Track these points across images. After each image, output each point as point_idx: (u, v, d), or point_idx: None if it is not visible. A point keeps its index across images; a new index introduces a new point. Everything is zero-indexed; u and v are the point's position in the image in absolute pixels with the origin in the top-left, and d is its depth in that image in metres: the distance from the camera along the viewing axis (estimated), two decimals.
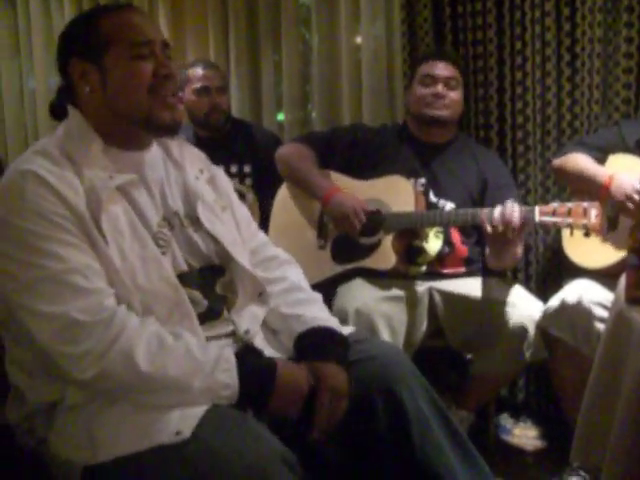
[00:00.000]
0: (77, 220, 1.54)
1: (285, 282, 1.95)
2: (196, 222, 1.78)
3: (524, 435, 3.06)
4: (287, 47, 3.57)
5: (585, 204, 2.33)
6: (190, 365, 1.54)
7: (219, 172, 1.96)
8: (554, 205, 2.40)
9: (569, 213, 2.35)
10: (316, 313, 1.90)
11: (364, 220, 2.65)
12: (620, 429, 1.52)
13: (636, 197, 2.41)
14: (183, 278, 1.68)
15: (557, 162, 2.79)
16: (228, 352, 1.60)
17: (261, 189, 3.24)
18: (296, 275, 2.01)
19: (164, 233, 1.69)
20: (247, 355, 1.69)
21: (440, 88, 2.78)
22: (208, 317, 1.73)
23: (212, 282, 1.79)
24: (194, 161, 1.87)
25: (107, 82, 1.64)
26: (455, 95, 2.81)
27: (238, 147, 3.31)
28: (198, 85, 3.25)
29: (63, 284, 1.49)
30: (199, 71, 3.28)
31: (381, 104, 3.37)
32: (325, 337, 1.82)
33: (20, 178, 1.54)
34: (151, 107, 1.66)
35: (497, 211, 2.43)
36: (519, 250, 2.66)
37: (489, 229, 2.44)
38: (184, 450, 1.44)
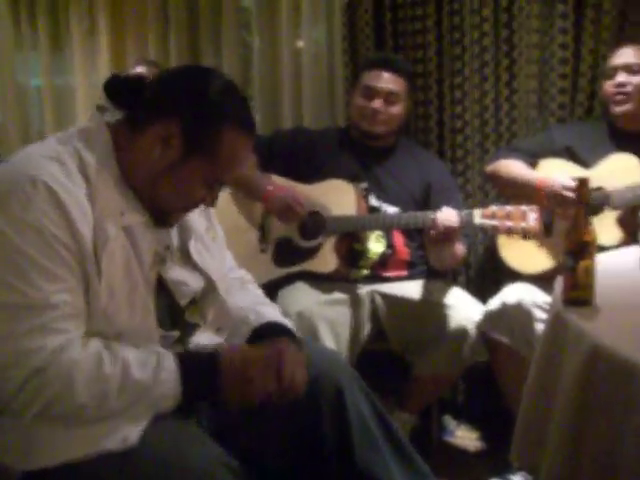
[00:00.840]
0: (77, 250, 1.45)
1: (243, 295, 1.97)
2: (186, 255, 1.75)
3: (466, 436, 3.10)
4: (228, 50, 3.54)
5: (524, 207, 2.37)
6: (130, 390, 1.49)
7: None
8: (493, 208, 2.44)
9: (508, 216, 2.38)
10: (272, 312, 1.91)
11: (306, 207, 2.65)
12: (557, 429, 1.54)
13: (564, 193, 2.45)
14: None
15: (490, 168, 2.83)
16: (168, 360, 1.56)
17: None
18: (255, 290, 2.03)
19: (149, 278, 1.63)
20: (190, 358, 1.65)
21: (378, 104, 2.77)
22: (171, 345, 1.70)
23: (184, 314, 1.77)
24: None
25: (175, 169, 1.56)
26: (395, 110, 2.81)
27: None
28: None
29: (34, 317, 1.41)
30: (138, 69, 3.28)
31: (322, 108, 3.38)
32: (281, 330, 1.82)
33: (29, 185, 1.42)
34: (172, 213, 1.66)
35: (436, 214, 2.46)
36: (459, 250, 2.69)
37: (430, 232, 2.46)
38: (131, 456, 1.43)
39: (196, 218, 1.80)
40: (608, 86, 2.69)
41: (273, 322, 1.85)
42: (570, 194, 2.41)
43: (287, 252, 2.76)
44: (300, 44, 3.43)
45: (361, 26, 3.17)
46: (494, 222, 2.42)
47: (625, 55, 2.66)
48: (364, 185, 2.79)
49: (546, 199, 2.54)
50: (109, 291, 1.50)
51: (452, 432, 3.12)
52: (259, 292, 2.04)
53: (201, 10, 3.58)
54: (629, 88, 2.63)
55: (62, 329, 1.43)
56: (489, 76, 3.05)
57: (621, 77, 2.64)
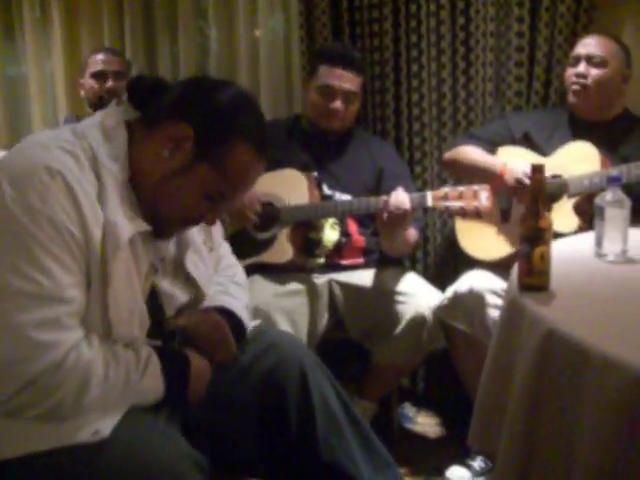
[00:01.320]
0: (86, 249, 1.44)
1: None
2: (179, 266, 1.75)
3: (426, 423, 3.13)
4: (184, 39, 3.52)
5: (475, 187, 2.39)
6: (129, 388, 1.51)
7: None
8: (446, 189, 2.46)
9: (460, 197, 2.41)
10: (230, 301, 1.90)
11: (259, 210, 2.64)
12: (513, 413, 1.56)
13: (526, 180, 2.47)
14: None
15: (448, 155, 2.84)
16: (154, 356, 1.58)
17: None
18: (228, 281, 2.01)
19: (144, 290, 1.63)
20: (165, 352, 1.67)
21: (339, 104, 2.77)
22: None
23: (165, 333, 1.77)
24: None
25: (180, 175, 1.54)
26: (353, 107, 2.82)
27: None
28: (95, 69, 3.22)
29: (47, 308, 1.38)
30: (99, 56, 3.25)
31: (279, 96, 3.37)
32: (224, 314, 1.83)
33: (47, 176, 1.40)
34: (170, 224, 1.63)
35: (388, 198, 2.47)
36: (411, 235, 2.71)
37: (382, 216, 2.48)
38: (101, 450, 1.42)
39: (193, 230, 1.79)
40: (569, 74, 2.70)
41: (217, 307, 1.85)
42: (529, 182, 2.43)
43: (242, 245, 2.74)
44: (257, 33, 3.41)
45: (318, 14, 3.16)
46: (446, 203, 2.44)
47: (589, 45, 2.66)
48: (315, 174, 2.79)
49: (506, 185, 2.57)
50: (115, 300, 1.49)
51: (412, 419, 3.15)
52: (231, 282, 2.02)
53: (155, 1, 3.55)
54: (588, 80, 2.64)
55: (73, 326, 1.43)
56: (446, 64, 3.06)
57: (582, 67, 2.64)
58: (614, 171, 2.40)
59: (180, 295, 1.76)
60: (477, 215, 2.41)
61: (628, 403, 1.27)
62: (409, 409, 3.21)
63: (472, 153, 2.75)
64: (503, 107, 3.02)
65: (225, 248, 2.08)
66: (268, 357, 1.81)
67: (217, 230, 1.97)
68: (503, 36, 3.00)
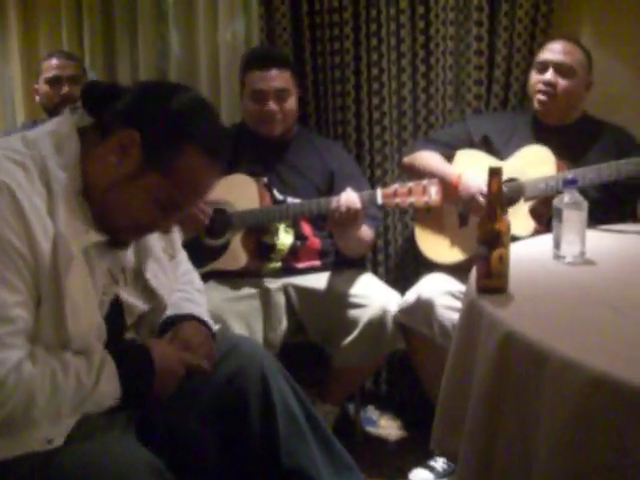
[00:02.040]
0: (34, 265, 1.40)
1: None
2: (139, 276, 1.72)
3: (389, 425, 3.13)
4: (144, 44, 3.48)
5: (425, 182, 2.42)
6: (81, 395, 1.48)
7: None
8: (395, 186, 2.48)
9: (410, 192, 2.42)
10: (193, 308, 1.90)
11: (210, 213, 2.63)
12: (473, 415, 1.56)
13: (480, 198, 2.49)
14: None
15: (406, 160, 2.85)
16: (109, 359, 1.55)
17: None
18: (197, 290, 2.01)
19: (103, 301, 1.61)
20: (122, 350, 1.64)
21: (272, 105, 2.75)
22: None
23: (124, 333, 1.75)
24: None
25: (129, 182, 1.51)
26: (288, 104, 2.80)
27: None
28: (49, 74, 3.18)
29: None
30: (53, 61, 3.21)
31: (239, 101, 3.34)
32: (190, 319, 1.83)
33: None
34: (121, 231, 1.59)
35: (338, 198, 2.49)
36: (365, 234, 2.71)
37: (333, 217, 2.49)
38: (55, 458, 1.40)
39: (153, 238, 1.77)
40: (535, 80, 2.69)
41: (186, 314, 1.84)
42: (483, 200, 2.45)
43: (195, 253, 2.72)
44: (218, 37, 3.38)
45: (278, 18, 3.15)
46: (397, 200, 2.46)
47: (558, 53, 2.65)
48: (265, 180, 2.78)
49: (460, 196, 2.59)
50: (72, 313, 1.46)
51: (375, 422, 3.15)
52: (194, 289, 2.01)
53: (115, 3, 3.51)
54: (557, 90, 2.64)
55: (15, 345, 1.39)
56: (406, 67, 3.06)
57: (550, 75, 2.63)
58: (569, 174, 2.42)
59: (140, 304, 1.74)
60: (427, 210, 2.42)
61: (585, 405, 1.28)
62: (372, 412, 3.21)
63: (429, 159, 2.76)
64: (463, 110, 3.04)
65: (183, 254, 2.06)
66: (229, 361, 1.80)
67: (177, 238, 1.95)
68: (462, 40, 3.02)
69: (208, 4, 3.36)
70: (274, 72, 2.76)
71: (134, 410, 1.64)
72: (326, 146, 2.96)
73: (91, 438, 1.47)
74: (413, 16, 3.03)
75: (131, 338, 1.75)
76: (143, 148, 1.49)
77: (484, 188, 2.44)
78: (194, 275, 2.07)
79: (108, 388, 1.52)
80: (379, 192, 2.49)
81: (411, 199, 2.44)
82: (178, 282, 1.95)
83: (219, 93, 3.37)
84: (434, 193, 2.41)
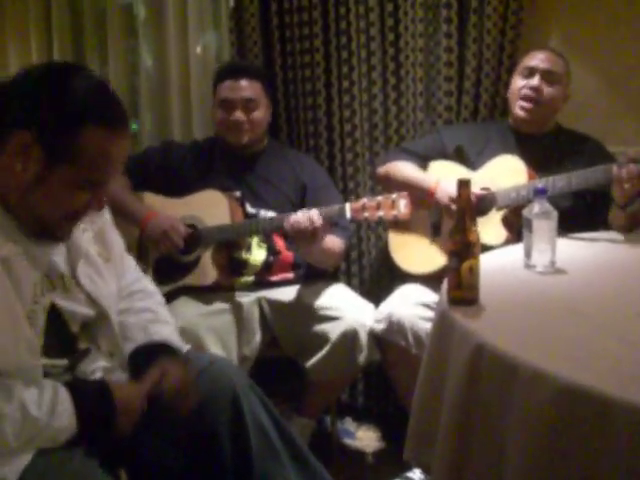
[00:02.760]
0: None
1: (144, 307, 1.93)
2: (79, 282, 1.70)
3: (367, 437, 3.12)
4: (114, 58, 3.47)
5: (394, 195, 2.43)
6: (29, 428, 1.45)
7: (107, 223, 1.87)
8: (364, 200, 2.49)
9: (378, 207, 2.43)
10: (161, 330, 1.87)
11: (184, 234, 2.62)
12: (445, 426, 1.57)
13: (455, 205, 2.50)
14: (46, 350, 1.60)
15: (382, 170, 2.85)
16: (62, 392, 1.53)
17: None
18: (157, 303, 1.98)
19: (34, 310, 1.57)
20: (80, 387, 1.62)
21: (239, 114, 2.76)
22: (60, 373, 1.66)
23: (77, 340, 1.73)
24: None
25: (42, 182, 1.47)
26: (256, 115, 2.80)
27: None
28: None
29: None
30: None
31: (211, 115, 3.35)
32: (162, 350, 1.80)
33: None
34: (57, 225, 1.57)
35: (292, 217, 2.50)
36: (334, 245, 2.72)
37: (292, 233, 2.51)
38: None
39: (86, 239, 1.74)
40: (520, 85, 2.71)
41: (159, 342, 1.82)
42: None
43: (167, 269, 2.72)
44: (188, 51, 3.38)
45: (248, 32, 3.15)
46: (365, 214, 2.47)
47: (546, 61, 2.68)
48: (237, 194, 2.78)
49: (438, 203, 2.60)
50: None
51: (352, 434, 3.14)
52: (160, 303, 2.00)
53: (85, 17, 3.50)
54: (542, 96, 2.66)
55: None
56: (377, 80, 3.07)
57: (537, 81, 2.65)
58: (540, 183, 2.44)
59: (82, 310, 1.71)
60: (396, 224, 2.43)
61: (555, 414, 1.29)
62: (349, 424, 3.20)
63: (404, 169, 2.77)
64: (434, 122, 3.05)
65: (130, 261, 2.03)
66: (199, 384, 1.78)
67: (115, 241, 1.91)
68: (432, 52, 3.03)
69: (178, 18, 3.35)
70: (243, 82, 2.78)
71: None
72: (298, 159, 2.96)
73: (47, 472, 1.44)
74: (382, 28, 3.04)
75: (99, 379, 1.71)
76: (41, 146, 1.45)
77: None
78: (148, 284, 2.03)
79: (63, 423, 1.50)
80: (348, 206, 2.50)
81: (380, 213, 2.45)
82: (128, 289, 1.93)
83: (190, 107, 3.36)
84: (403, 207, 2.42)
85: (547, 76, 2.67)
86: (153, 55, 3.49)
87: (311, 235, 2.48)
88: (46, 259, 1.61)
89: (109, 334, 1.79)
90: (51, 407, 1.48)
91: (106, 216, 1.86)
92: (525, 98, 2.68)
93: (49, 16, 3.53)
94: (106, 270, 1.81)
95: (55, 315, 1.64)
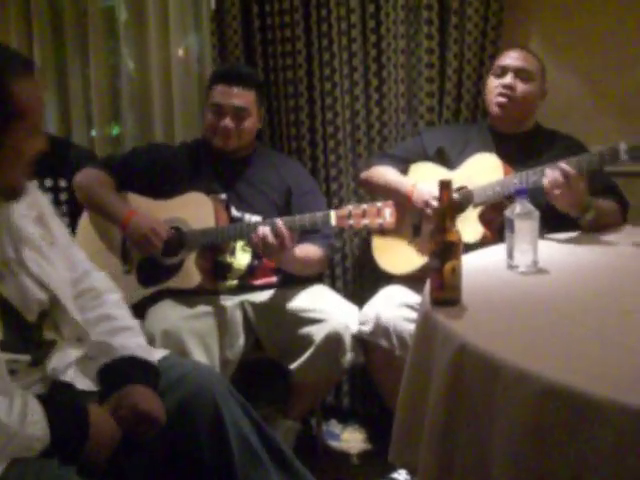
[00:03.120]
0: None
1: (99, 314, 1.90)
2: (22, 266, 1.68)
3: (352, 439, 3.12)
4: (96, 60, 3.45)
5: (379, 204, 2.42)
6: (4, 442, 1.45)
7: (46, 207, 1.86)
8: (349, 208, 2.48)
9: (364, 214, 2.43)
10: (125, 341, 1.84)
11: (164, 237, 2.62)
12: (429, 427, 1.57)
13: (433, 203, 2.51)
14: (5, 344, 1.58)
15: (364, 175, 2.87)
16: (33, 403, 1.52)
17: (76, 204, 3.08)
18: (112, 304, 1.95)
19: None
20: (57, 399, 1.62)
21: (228, 122, 2.74)
22: (27, 369, 1.64)
23: (39, 331, 1.71)
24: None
25: (2, 146, 1.52)
26: (246, 124, 2.78)
27: (53, 161, 3.15)
28: None
29: None
30: None
31: (193, 117, 3.34)
32: (131, 366, 1.79)
33: None
34: (18, 181, 1.61)
35: (257, 230, 2.50)
36: (315, 252, 2.72)
37: (254, 245, 2.52)
38: None
39: (27, 225, 1.73)
40: (494, 84, 2.72)
41: (126, 358, 1.80)
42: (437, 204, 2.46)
43: (151, 271, 2.71)
44: (170, 53, 3.37)
45: (230, 34, 3.15)
46: (350, 221, 2.46)
47: (518, 59, 2.70)
48: (223, 197, 2.78)
49: (415, 206, 2.61)
50: None
51: (338, 436, 3.14)
52: (117, 303, 1.97)
53: (66, 19, 3.48)
54: (516, 93, 2.68)
55: None
56: (359, 81, 3.08)
57: (509, 79, 2.67)
58: (514, 178, 2.46)
59: (33, 296, 1.69)
60: (381, 232, 2.43)
61: (538, 414, 1.29)
62: (334, 426, 3.21)
63: (385, 173, 2.79)
64: (416, 123, 3.06)
65: (78, 253, 2.00)
66: (177, 392, 1.78)
67: (58, 227, 1.90)
68: (414, 53, 3.05)
69: (159, 20, 3.34)
70: (237, 90, 2.75)
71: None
72: (285, 163, 2.96)
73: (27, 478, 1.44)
74: (364, 30, 3.05)
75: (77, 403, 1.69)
76: None
77: (436, 192, 2.47)
78: (98, 280, 1.99)
79: (36, 433, 1.49)
80: (333, 214, 2.49)
81: (365, 221, 2.44)
82: (77, 288, 1.90)
83: (172, 109, 3.35)
84: (388, 215, 2.41)
85: (520, 74, 2.69)
86: (134, 57, 3.47)
87: (279, 245, 2.48)
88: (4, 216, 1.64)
89: (69, 320, 1.77)
90: (22, 415, 1.47)
91: (44, 201, 1.86)
92: (500, 95, 2.70)
93: (29, 18, 3.51)
94: (52, 254, 1.79)
95: (7, 306, 1.63)
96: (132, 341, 1.85)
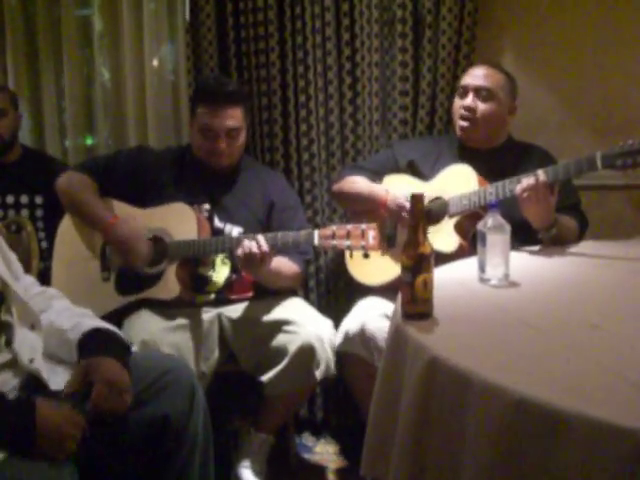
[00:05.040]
0: None
1: (53, 309, 1.97)
2: None
3: (325, 452, 3.11)
4: (70, 70, 3.43)
5: (363, 226, 2.40)
6: None
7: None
8: (333, 228, 2.46)
9: (348, 235, 2.41)
10: (93, 321, 1.92)
11: (145, 253, 2.61)
12: (400, 441, 1.57)
13: (407, 204, 2.51)
14: None
15: (335, 187, 2.88)
16: None
17: (54, 220, 3.04)
18: (64, 304, 2.01)
19: None
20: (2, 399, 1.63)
21: (223, 145, 2.70)
22: None
23: None
24: None
25: None
26: (239, 141, 2.76)
27: (30, 177, 3.12)
28: None
29: None
30: None
31: (167, 128, 3.33)
32: (104, 336, 1.85)
33: None
34: None
35: (248, 242, 2.49)
36: (290, 268, 2.72)
37: (237, 256, 2.50)
38: None
39: None
40: (457, 105, 2.74)
41: (97, 328, 1.86)
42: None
43: (130, 280, 2.68)
44: (144, 64, 3.36)
45: (205, 46, 3.14)
46: (334, 242, 2.45)
47: (478, 77, 2.70)
48: (207, 207, 2.76)
49: (390, 211, 2.61)
50: None
51: (311, 448, 3.13)
52: (67, 306, 2.01)
53: (39, 29, 3.45)
54: (476, 114, 2.68)
55: None
56: (333, 94, 3.09)
57: (469, 100, 2.68)
58: (490, 188, 2.47)
59: None
60: (364, 255, 2.42)
61: (508, 426, 1.29)
62: (308, 439, 3.19)
63: (357, 183, 2.80)
64: (390, 136, 3.07)
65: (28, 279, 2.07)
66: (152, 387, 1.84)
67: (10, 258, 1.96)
68: (388, 66, 3.06)
69: (134, 31, 3.32)
70: (227, 111, 2.69)
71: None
72: (267, 175, 2.95)
73: None
74: (339, 43, 3.06)
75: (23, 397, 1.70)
76: None
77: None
78: (46, 288, 2.07)
79: None
80: (316, 233, 2.47)
81: (348, 242, 2.41)
82: (30, 292, 1.96)
83: (146, 118, 3.33)
84: (372, 238, 2.39)
85: (480, 92, 2.69)
86: (109, 67, 3.46)
87: (260, 260, 2.47)
88: None
89: (19, 303, 1.81)
90: None
91: None
92: (462, 118, 2.72)
93: (2, 26, 3.47)
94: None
95: None
96: (100, 322, 1.91)
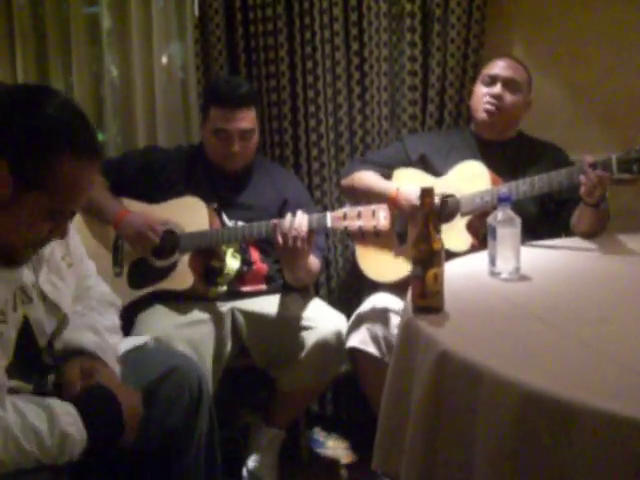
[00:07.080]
0: None
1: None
2: (42, 291, 1.67)
3: (336, 446, 3.11)
4: (78, 67, 3.44)
5: (374, 206, 2.42)
6: (42, 460, 1.47)
7: (70, 229, 1.82)
8: (345, 209, 2.48)
9: (359, 216, 2.42)
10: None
11: (160, 233, 2.61)
12: (412, 434, 1.57)
13: (418, 203, 2.50)
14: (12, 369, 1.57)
15: (345, 182, 2.87)
16: (60, 406, 1.53)
17: None
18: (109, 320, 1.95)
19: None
20: (89, 395, 1.64)
21: (236, 147, 2.70)
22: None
23: (43, 357, 1.71)
24: None
25: (10, 207, 1.44)
26: (252, 143, 2.77)
27: None
28: None
29: None
30: None
31: (176, 126, 3.32)
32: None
33: None
34: (19, 251, 1.54)
35: (286, 220, 2.47)
36: (313, 264, 2.71)
37: (280, 239, 2.47)
38: None
39: (50, 245, 1.70)
40: (482, 92, 2.73)
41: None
42: None
43: (142, 273, 2.69)
44: (153, 61, 3.36)
45: (213, 42, 3.14)
46: (345, 223, 2.46)
47: (508, 69, 2.71)
48: (214, 205, 2.76)
49: (400, 209, 2.60)
50: None
51: (322, 443, 3.13)
52: (115, 320, 1.98)
53: (48, 27, 3.45)
54: (504, 104, 2.68)
55: None
56: (342, 89, 3.09)
57: (499, 89, 2.68)
58: (504, 188, 2.46)
59: (47, 321, 1.69)
60: (375, 234, 2.43)
61: (519, 421, 1.29)
62: (319, 433, 3.20)
63: (367, 178, 2.78)
64: (399, 130, 3.07)
65: (90, 266, 2.01)
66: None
67: (76, 244, 1.89)
68: (396, 61, 3.06)
69: (143, 28, 3.31)
70: (241, 113, 2.69)
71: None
72: (279, 173, 2.96)
73: None
74: (347, 38, 3.06)
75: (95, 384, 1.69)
76: (14, 174, 1.42)
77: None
78: (104, 288, 2.03)
79: (75, 448, 1.51)
80: (328, 215, 2.49)
81: (360, 222, 2.43)
82: (90, 298, 1.92)
83: (155, 117, 3.33)
84: (382, 218, 2.41)
85: (508, 84, 2.69)
86: (118, 65, 3.45)
87: (302, 243, 2.46)
88: (14, 276, 1.58)
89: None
90: (51, 422, 1.49)
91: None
92: (488, 104, 2.71)
93: (11, 24, 3.48)
94: (68, 275, 1.79)
95: (25, 330, 1.62)
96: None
